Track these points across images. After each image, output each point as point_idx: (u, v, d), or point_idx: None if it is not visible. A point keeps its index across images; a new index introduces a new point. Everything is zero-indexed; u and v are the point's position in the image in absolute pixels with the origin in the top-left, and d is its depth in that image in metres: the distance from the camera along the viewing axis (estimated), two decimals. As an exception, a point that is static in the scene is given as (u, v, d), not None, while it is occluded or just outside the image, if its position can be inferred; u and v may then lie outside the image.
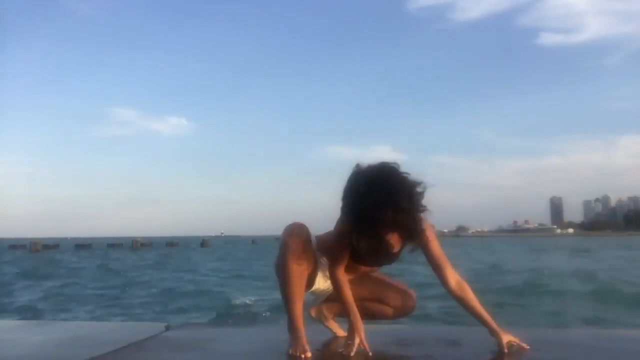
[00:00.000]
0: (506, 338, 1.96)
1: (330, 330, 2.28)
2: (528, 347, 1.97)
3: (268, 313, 9.97)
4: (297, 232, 1.97)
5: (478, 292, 2.00)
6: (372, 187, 1.75)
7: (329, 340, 2.22)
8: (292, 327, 1.97)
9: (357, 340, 1.90)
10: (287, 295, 1.97)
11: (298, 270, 1.95)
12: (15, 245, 54.25)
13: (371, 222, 1.79)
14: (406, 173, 1.79)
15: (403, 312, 2.19)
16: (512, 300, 11.46)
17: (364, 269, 2.11)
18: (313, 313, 2.25)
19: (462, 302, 1.98)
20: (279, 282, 1.99)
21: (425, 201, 1.82)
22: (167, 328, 2.61)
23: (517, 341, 1.97)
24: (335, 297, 2.14)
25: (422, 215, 1.84)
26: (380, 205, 1.73)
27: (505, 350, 1.91)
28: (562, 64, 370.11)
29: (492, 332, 1.97)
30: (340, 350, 1.90)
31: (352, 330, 1.94)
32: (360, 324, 1.94)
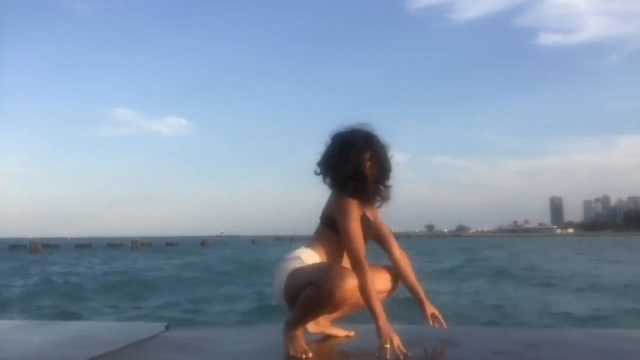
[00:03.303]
0: (430, 310, 2.15)
1: (332, 334, 2.27)
2: (446, 327, 2.13)
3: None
4: (348, 289, 1.84)
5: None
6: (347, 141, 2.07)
7: (328, 341, 2.22)
8: (291, 329, 1.98)
9: (395, 342, 1.82)
10: (305, 317, 1.97)
11: (330, 312, 1.97)
12: (16, 246, 54.16)
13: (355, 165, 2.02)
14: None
15: (393, 291, 2.21)
16: None
17: None
18: (311, 328, 2.18)
19: (404, 270, 2.15)
20: (304, 304, 1.92)
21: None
22: (167, 328, 2.61)
23: (440, 317, 2.14)
24: None
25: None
26: (361, 146, 2.04)
27: (430, 322, 2.13)
28: (561, 64, 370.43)
29: (420, 302, 2.16)
30: (375, 355, 1.83)
31: (384, 332, 1.84)
32: (390, 326, 1.86)
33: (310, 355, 1.90)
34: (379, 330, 1.86)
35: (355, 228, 2.00)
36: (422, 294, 2.17)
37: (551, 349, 2.10)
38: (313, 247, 2.10)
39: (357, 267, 1.93)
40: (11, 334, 2.72)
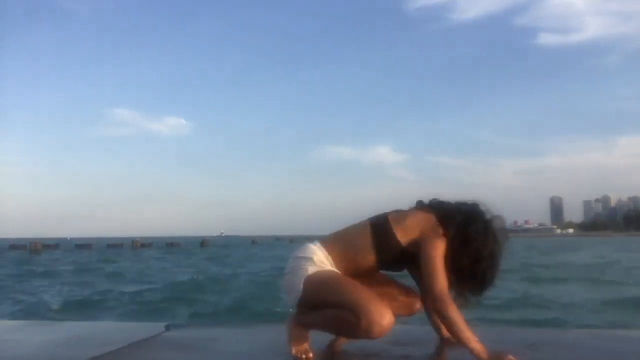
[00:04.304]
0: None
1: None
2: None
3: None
4: (387, 327, 1.77)
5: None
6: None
7: (328, 341, 2.22)
8: (298, 329, 1.97)
9: None
10: (322, 329, 1.95)
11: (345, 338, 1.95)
12: (16, 246, 54.14)
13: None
14: None
15: (409, 314, 2.10)
16: None
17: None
18: None
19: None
20: (335, 324, 1.89)
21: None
22: (167, 328, 2.61)
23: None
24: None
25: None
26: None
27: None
28: (561, 64, 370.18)
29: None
30: None
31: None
32: (489, 352, 1.74)
33: (311, 355, 1.89)
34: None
35: (442, 266, 1.86)
36: (439, 321, 2.03)
37: (551, 349, 2.10)
38: (327, 247, 2.00)
39: (443, 306, 1.82)
40: (11, 334, 2.72)
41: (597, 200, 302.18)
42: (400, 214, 2.00)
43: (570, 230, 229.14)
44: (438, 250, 1.87)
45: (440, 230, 1.91)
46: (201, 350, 2.17)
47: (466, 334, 1.77)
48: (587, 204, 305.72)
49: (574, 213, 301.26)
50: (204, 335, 2.50)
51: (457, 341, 1.79)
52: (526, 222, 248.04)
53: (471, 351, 1.74)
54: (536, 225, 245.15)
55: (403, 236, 1.94)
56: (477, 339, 1.79)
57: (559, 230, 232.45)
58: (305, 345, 1.93)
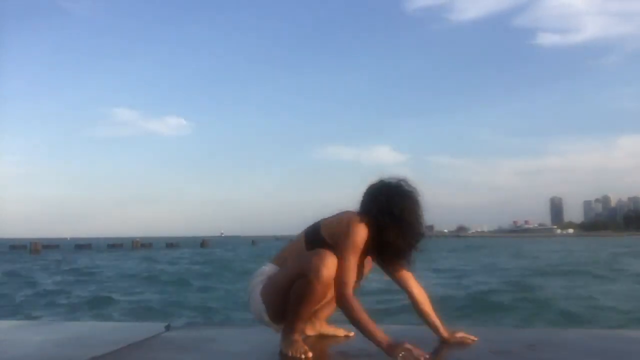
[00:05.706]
0: (445, 333, 2.11)
1: (329, 334, 2.27)
2: (475, 338, 2.12)
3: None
4: (331, 266, 1.89)
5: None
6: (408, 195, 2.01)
7: (328, 341, 2.22)
8: (289, 334, 1.98)
9: (415, 353, 1.77)
10: (300, 314, 1.96)
11: (320, 300, 1.97)
12: (16, 246, 54.19)
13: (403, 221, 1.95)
14: None
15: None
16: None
17: None
18: (309, 331, 2.21)
19: (422, 302, 2.13)
20: (296, 300, 1.93)
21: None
22: (167, 328, 2.62)
23: (463, 334, 2.13)
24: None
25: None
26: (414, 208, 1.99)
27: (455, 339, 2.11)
28: (560, 64, 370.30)
29: (435, 329, 2.12)
30: None
31: (391, 349, 1.79)
32: (390, 339, 1.82)
33: (310, 355, 1.90)
34: (385, 352, 1.80)
35: (353, 261, 1.93)
36: (437, 322, 2.12)
37: (551, 349, 2.10)
38: (277, 263, 2.10)
39: (340, 295, 1.90)
40: (11, 334, 2.73)
41: (597, 200, 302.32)
42: (331, 219, 2.06)
43: (571, 231, 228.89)
44: (355, 242, 1.94)
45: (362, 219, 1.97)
46: (201, 350, 2.18)
47: (363, 319, 1.85)
48: (587, 204, 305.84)
49: (574, 213, 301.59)
50: (204, 335, 2.50)
51: (358, 331, 1.89)
52: (526, 222, 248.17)
53: (372, 341, 1.83)
54: (536, 225, 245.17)
55: (331, 238, 1.99)
56: (379, 328, 1.85)
57: (559, 231, 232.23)
58: (303, 346, 1.94)
